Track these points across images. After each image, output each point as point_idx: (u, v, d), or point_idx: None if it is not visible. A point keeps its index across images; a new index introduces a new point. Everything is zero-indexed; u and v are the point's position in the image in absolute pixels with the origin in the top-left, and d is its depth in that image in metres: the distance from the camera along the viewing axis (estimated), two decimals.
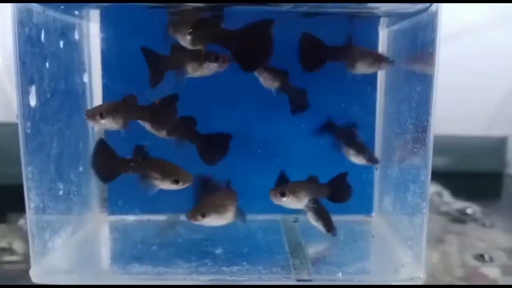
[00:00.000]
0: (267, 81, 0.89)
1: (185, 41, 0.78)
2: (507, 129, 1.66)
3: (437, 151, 0.76)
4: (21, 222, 1.04)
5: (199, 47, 0.78)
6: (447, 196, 1.33)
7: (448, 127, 1.45)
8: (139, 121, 0.82)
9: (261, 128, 0.98)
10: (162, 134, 0.84)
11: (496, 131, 1.66)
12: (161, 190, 0.81)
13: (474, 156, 1.65)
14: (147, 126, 0.83)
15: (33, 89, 0.74)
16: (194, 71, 0.81)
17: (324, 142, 0.98)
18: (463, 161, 1.64)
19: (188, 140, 0.88)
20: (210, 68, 0.81)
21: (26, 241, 0.77)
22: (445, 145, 1.52)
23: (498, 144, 1.66)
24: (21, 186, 0.74)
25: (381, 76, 0.97)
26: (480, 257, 0.94)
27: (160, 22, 0.82)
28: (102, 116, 0.76)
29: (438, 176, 0.95)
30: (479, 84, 1.58)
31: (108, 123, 0.77)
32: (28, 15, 0.73)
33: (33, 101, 0.74)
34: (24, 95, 0.72)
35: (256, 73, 0.88)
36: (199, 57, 0.79)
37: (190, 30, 0.77)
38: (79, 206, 0.92)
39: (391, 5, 0.81)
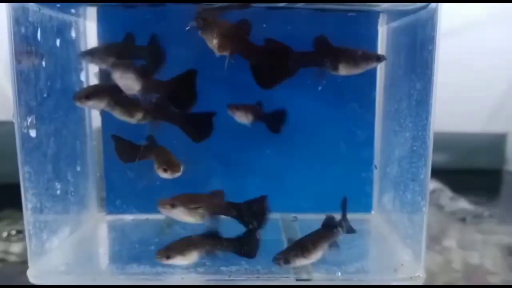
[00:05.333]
0: (241, 118, 0.89)
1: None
2: (507, 125, 1.66)
3: (436, 148, 0.76)
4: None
5: None
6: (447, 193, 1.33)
7: (447, 124, 1.44)
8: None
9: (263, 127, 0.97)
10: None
11: (495, 128, 1.66)
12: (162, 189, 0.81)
13: (474, 153, 1.65)
14: None
15: (32, 119, 0.74)
16: None
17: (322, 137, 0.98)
18: (463, 158, 1.63)
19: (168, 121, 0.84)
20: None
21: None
22: (444, 142, 1.52)
23: (498, 141, 1.66)
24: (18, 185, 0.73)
25: (380, 73, 0.96)
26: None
27: (157, 20, 0.81)
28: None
29: (437, 173, 0.94)
30: (479, 81, 1.58)
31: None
32: (24, 14, 0.72)
33: (33, 133, 0.75)
34: (20, 93, 0.72)
35: (229, 112, 0.88)
36: None
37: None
38: (76, 206, 0.91)
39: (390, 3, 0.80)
